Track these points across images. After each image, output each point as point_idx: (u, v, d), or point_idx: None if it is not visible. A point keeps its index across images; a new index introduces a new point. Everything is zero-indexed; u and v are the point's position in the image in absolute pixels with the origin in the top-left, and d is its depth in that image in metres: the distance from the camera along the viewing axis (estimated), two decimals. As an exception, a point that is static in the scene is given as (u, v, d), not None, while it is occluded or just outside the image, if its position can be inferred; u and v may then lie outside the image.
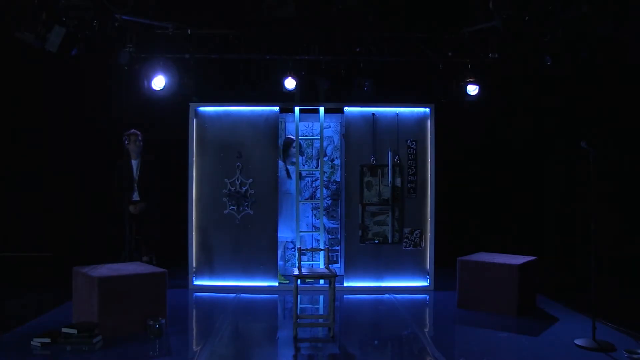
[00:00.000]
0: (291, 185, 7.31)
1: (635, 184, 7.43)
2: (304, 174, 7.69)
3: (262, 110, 7.05)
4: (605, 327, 5.25)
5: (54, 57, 5.78)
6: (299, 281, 5.18)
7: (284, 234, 7.24)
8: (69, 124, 7.96)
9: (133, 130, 6.67)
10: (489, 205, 8.24)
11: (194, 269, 6.98)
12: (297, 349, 4.85)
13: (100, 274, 5.01)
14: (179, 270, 6.97)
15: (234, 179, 7.00)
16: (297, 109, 7.14)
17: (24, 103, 7.92)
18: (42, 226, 8.03)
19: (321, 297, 6.73)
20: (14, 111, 7.91)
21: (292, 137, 7.36)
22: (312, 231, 7.64)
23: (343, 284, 6.96)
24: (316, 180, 7.67)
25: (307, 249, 6.95)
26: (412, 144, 7.03)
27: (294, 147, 7.27)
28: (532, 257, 6.17)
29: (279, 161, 7.10)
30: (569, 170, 7.81)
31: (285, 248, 7.54)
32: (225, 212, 6.99)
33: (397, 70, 7.31)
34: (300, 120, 7.30)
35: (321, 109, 7.15)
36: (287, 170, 7.35)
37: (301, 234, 7.31)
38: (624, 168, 7.51)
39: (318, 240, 7.44)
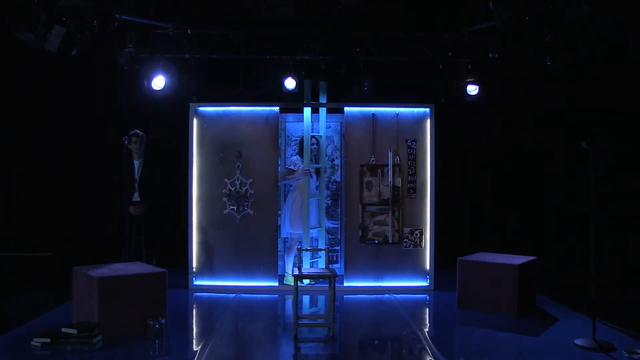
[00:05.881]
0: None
1: (636, 184, 7.42)
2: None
3: (262, 110, 7.05)
4: (605, 327, 5.25)
5: (53, 57, 5.77)
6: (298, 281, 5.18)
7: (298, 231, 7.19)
8: (68, 124, 7.96)
9: (135, 130, 6.66)
10: (489, 205, 8.23)
11: (194, 269, 6.98)
12: (297, 349, 4.85)
13: (100, 274, 5.01)
14: (179, 270, 6.96)
15: (234, 179, 7.00)
16: (306, 109, 7.07)
17: (24, 103, 7.92)
18: (42, 226, 8.02)
19: (321, 297, 6.73)
20: (14, 111, 7.91)
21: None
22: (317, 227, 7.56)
23: (343, 284, 6.96)
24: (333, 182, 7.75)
25: (307, 249, 6.93)
26: (412, 144, 7.03)
27: (311, 145, 7.18)
28: (532, 257, 6.16)
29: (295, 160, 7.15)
30: (569, 170, 7.79)
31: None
32: (225, 212, 6.98)
33: (397, 70, 7.29)
34: (301, 120, 7.28)
35: (321, 109, 7.14)
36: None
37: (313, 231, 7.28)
38: (624, 168, 7.50)
39: (317, 240, 7.44)
